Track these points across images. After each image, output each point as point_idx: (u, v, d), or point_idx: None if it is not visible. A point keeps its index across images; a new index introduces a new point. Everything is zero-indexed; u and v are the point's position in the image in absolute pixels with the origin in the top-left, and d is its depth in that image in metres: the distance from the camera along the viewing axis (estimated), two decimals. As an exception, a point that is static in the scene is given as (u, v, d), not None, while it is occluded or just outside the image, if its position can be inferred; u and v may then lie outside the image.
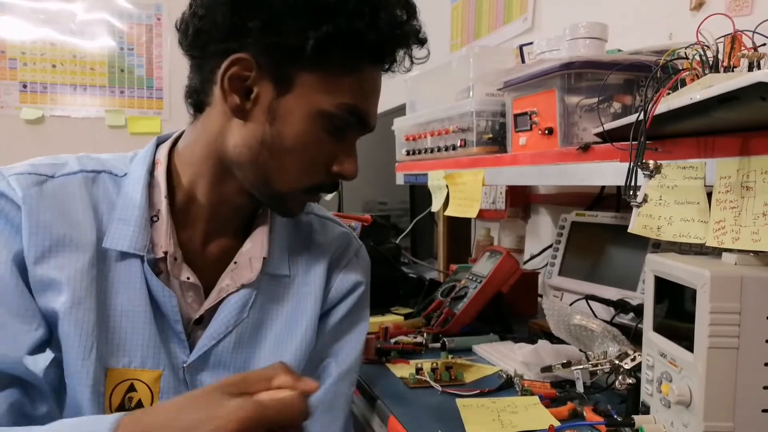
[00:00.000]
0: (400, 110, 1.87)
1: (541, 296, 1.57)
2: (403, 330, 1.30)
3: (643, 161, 0.76)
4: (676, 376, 0.71)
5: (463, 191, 1.39)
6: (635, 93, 1.04)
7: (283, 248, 0.86)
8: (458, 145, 1.41)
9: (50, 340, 0.73)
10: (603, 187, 1.43)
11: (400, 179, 1.79)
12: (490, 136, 1.35)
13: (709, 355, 0.65)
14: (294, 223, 0.89)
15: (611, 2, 1.54)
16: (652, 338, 0.77)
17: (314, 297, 0.86)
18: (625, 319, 1.15)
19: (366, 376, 1.06)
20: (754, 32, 0.75)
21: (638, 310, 1.10)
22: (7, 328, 0.69)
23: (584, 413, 0.88)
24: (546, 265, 1.49)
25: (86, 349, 0.72)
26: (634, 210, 0.81)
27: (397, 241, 1.96)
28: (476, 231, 1.97)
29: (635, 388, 0.84)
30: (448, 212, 1.46)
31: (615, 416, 0.86)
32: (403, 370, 1.06)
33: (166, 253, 0.77)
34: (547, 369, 0.99)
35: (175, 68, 3.50)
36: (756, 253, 0.70)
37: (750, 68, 0.73)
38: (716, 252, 0.75)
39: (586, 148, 0.97)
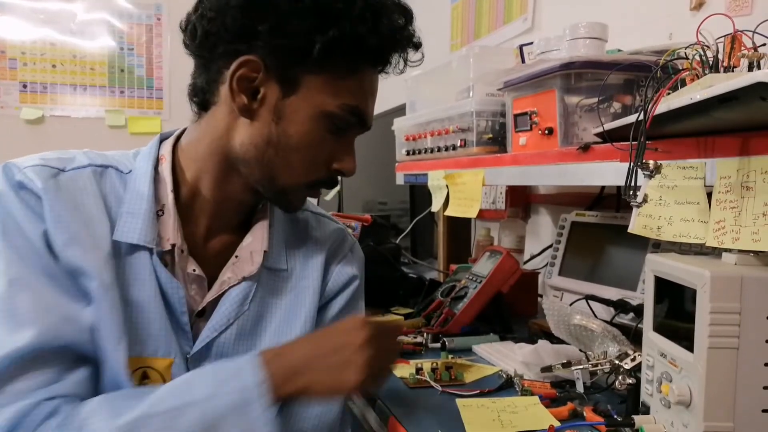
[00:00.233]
0: (400, 110, 1.87)
1: (541, 296, 1.58)
2: (403, 330, 1.30)
3: (643, 161, 0.76)
4: (676, 376, 0.71)
5: (463, 191, 1.39)
6: (635, 93, 1.04)
7: (281, 243, 0.89)
8: (458, 145, 1.41)
9: None
10: (603, 187, 1.43)
11: (400, 179, 1.79)
12: (490, 136, 1.36)
13: (709, 355, 0.65)
14: (291, 219, 0.92)
15: (611, 2, 1.54)
16: (652, 338, 0.77)
17: (312, 290, 0.89)
18: (625, 319, 1.15)
19: (366, 376, 1.05)
20: (754, 32, 0.75)
21: (638, 310, 1.10)
22: (63, 307, 0.71)
23: (584, 413, 0.88)
24: (546, 265, 1.49)
25: (117, 336, 0.73)
26: (634, 210, 0.81)
27: (397, 241, 1.96)
28: (476, 231, 1.97)
29: (635, 388, 0.84)
30: (448, 212, 1.46)
31: (615, 416, 0.86)
32: (403, 370, 1.06)
33: (173, 246, 0.79)
34: (547, 369, 0.99)
35: (175, 68, 3.51)
36: (756, 253, 0.70)
37: (750, 68, 0.73)
38: (716, 252, 0.75)
39: (586, 148, 0.97)
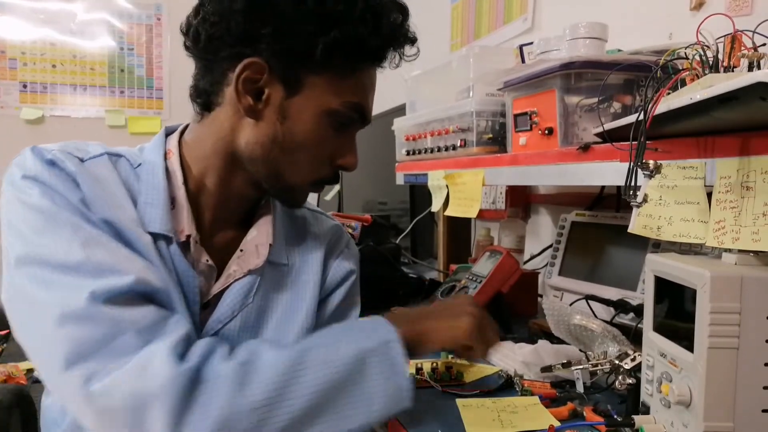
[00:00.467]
0: (400, 110, 1.87)
1: (541, 296, 1.57)
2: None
3: (643, 161, 0.76)
4: (676, 376, 0.71)
5: (463, 191, 1.39)
6: (635, 93, 1.04)
7: (281, 238, 0.90)
8: (458, 145, 1.41)
9: None
10: (603, 187, 1.43)
11: (400, 179, 1.79)
12: (490, 136, 1.36)
13: (709, 355, 0.65)
14: (289, 216, 0.95)
15: (611, 2, 1.54)
16: (652, 338, 0.77)
17: (313, 284, 0.91)
18: (625, 319, 1.15)
19: (366, 376, 1.06)
20: (754, 32, 0.75)
21: (638, 310, 1.10)
22: (139, 259, 0.74)
23: (584, 413, 0.88)
24: (546, 265, 1.49)
25: (178, 298, 0.77)
26: (634, 210, 0.81)
27: (397, 241, 1.96)
28: (476, 231, 1.97)
29: (635, 388, 0.84)
30: (448, 212, 1.46)
31: (615, 416, 0.86)
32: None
33: (188, 237, 0.81)
34: (547, 369, 0.99)
35: (175, 68, 3.50)
36: (756, 253, 0.70)
37: (750, 68, 0.73)
38: (716, 252, 0.75)
39: (586, 148, 0.97)
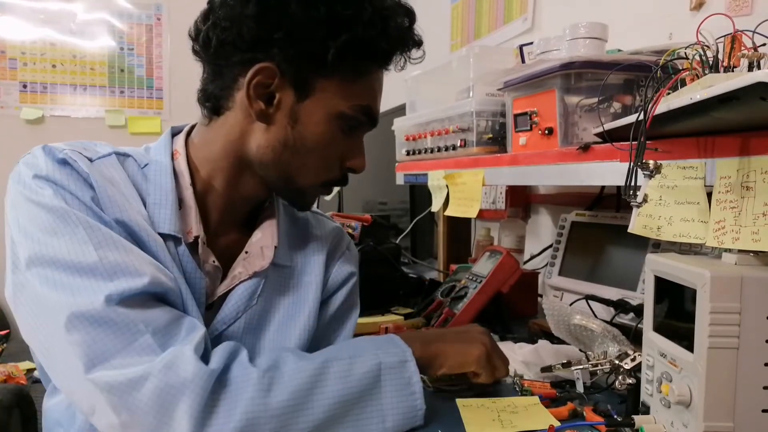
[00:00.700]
0: (400, 110, 1.87)
1: (541, 296, 1.57)
2: (403, 330, 1.30)
3: (643, 161, 0.76)
4: (676, 376, 0.71)
5: (463, 191, 1.39)
6: (635, 93, 1.04)
7: (285, 241, 0.91)
8: (458, 145, 1.41)
9: None
10: (603, 187, 1.43)
11: (400, 179, 1.79)
12: (490, 136, 1.36)
13: (709, 355, 0.65)
14: (292, 218, 0.95)
15: (611, 2, 1.54)
16: (652, 338, 0.77)
17: (315, 286, 0.92)
18: (625, 319, 1.15)
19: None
20: (754, 32, 0.75)
21: (638, 310, 1.10)
22: (152, 261, 0.74)
23: (584, 413, 0.88)
24: (546, 265, 1.49)
25: (191, 302, 0.79)
26: (634, 210, 0.81)
27: (397, 241, 1.96)
28: (476, 231, 1.97)
29: (635, 388, 0.84)
30: (448, 212, 1.46)
31: (615, 416, 0.86)
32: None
33: (196, 237, 0.81)
34: (547, 369, 0.99)
35: (175, 68, 3.50)
36: (756, 253, 0.70)
37: (750, 68, 0.73)
38: (716, 252, 0.75)
39: (586, 148, 0.97)
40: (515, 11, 2.00)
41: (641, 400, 0.79)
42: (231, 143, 0.83)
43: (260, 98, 0.79)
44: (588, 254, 1.36)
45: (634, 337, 0.97)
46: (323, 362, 0.74)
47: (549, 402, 0.94)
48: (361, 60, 0.80)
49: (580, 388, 0.96)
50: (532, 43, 1.36)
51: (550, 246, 1.50)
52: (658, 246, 1.14)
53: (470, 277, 1.36)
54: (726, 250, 0.73)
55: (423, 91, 1.76)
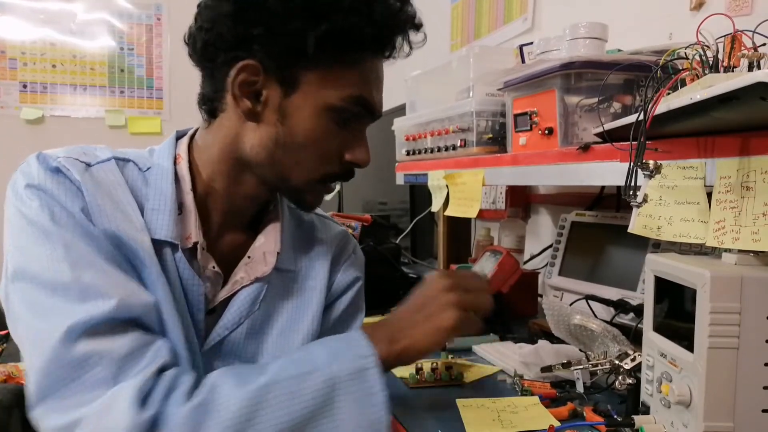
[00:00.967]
0: (400, 110, 1.87)
1: (541, 296, 1.57)
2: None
3: (643, 161, 0.76)
4: (676, 376, 0.71)
5: (463, 191, 1.39)
6: (635, 93, 1.04)
7: (289, 244, 0.90)
8: (458, 145, 1.41)
9: None
10: (603, 187, 1.43)
11: (400, 179, 1.79)
12: (490, 136, 1.36)
13: (709, 355, 0.65)
14: (297, 221, 0.94)
15: (611, 2, 1.54)
16: (652, 338, 0.77)
17: (319, 290, 0.90)
18: (625, 319, 1.15)
19: (366, 376, 1.06)
20: (754, 32, 0.75)
21: (638, 310, 1.10)
22: (129, 283, 0.72)
23: (584, 413, 0.88)
24: (546, 265, 1.49)
25: (174, 318, 0.76)
26: (634, 210, 0.81)
27: (397, 241, 1.96)
28: (476, 231, 1.97)
29: (635, 388, 0.84)
30: (448, 212, 1.46)
31: (615, 416, 0.86)
32: (402, 370, 1.06)
33: (195, 243, 0.80)
34: (547, 369, 0.99)
35: (175, 68, 3.51)
36: (756, 253, 0.70)
37: (750, 68, 0.73)
38: (716, 252, 0.75)
39: (586, 148, 0.97)
40: (515, 11, 2.00)
41: (641, 400, 0.79)
42: (228, 145, 0.82)
43: (247, 97, 0.78)
44: (588, 254, 1.36)
45: (634, 337, 0.97)
46: (264, 386, 0.68)
47: (549, 402, 0.94)
48: (347, 48, 0.77)
49: (580, 388, 0.96)
50: (532, 43, 1.36)
51: (550, 246, 1.50)
52: (658, 246, 1.14)
53: (470, 277, 1.36)
54: (726, 250, 0.73)
55: (423, 91, 1.76)
